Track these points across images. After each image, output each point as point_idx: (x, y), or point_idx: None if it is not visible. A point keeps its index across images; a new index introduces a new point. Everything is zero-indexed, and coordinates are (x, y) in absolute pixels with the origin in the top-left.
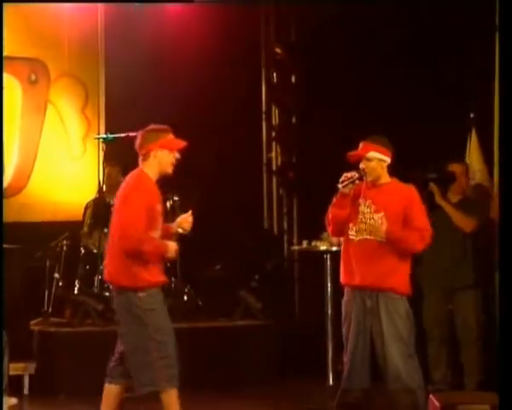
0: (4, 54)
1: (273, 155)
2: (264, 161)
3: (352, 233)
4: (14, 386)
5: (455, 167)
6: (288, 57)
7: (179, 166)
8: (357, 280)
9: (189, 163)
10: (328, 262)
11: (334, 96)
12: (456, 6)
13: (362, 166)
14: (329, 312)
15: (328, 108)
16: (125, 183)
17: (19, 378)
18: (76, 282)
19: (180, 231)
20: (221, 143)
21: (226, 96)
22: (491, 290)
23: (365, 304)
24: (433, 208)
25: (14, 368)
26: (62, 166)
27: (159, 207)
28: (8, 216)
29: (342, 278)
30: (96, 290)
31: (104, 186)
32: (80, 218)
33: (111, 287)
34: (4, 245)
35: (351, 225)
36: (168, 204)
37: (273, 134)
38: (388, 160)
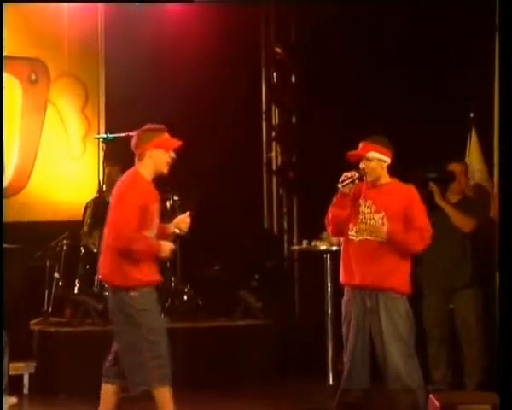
0: (4, 53)
1: (273, 154)
2: (264, 160)
3: (352, 233)
4: (14, 386)
5: (454, 167)
6: (288, 57)
7: (179, 165)
8: (357, 280)
9: (189, 163)
10: (328, 262)
11: (334, 96)
12: (456, 6)
13: (362, 166)
14: (329, 311)
15: (328, 108)
16: (120, 182)
17: (19, 378)
18: (76, 281)
19: (177, 231)
20: (221, 142)
21: (226, 95)
22: (491, 290)
23: (365, 304)
24: (432, 208)
25: (14, 368)
26: (62, 165)
27: (153, 207)
28: (8, 216)
29: (342, 278)
30: (96, 290)
31: (104, 186)
32: (80, 217)
33: (106, 286)
34: (4, 245)
35: (351, 225)
36: (168, 204)
37: (273, 134)
38: (388, 160)
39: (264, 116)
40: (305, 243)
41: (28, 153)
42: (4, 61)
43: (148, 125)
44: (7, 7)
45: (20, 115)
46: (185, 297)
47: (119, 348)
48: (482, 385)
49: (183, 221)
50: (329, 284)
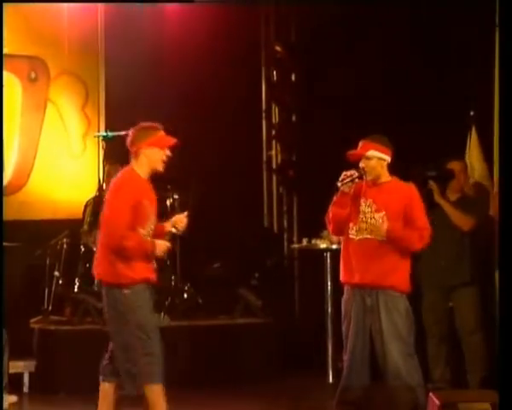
0: (4, 52)
1: (273, 153)
2: (264, 159)
3: (352, 232)
4: (14, 384)
5: (454, 165)
6: (288, 56)
7: (179, 164)
8: (356, 278)
9: (189, 161)
10: (328, 260)
11: (334, 95)
12: (456, 5)
13: (361, 164)
14: (329, 310)
15: (328, 107)
16: (115, 179)
17: (19, 376)
18: (76, 280)
19: (174, 230)
20: (221, 141)
21: (226, 95)
22: (490, 288)
23: (365, 302)
24: (432, 206)
25: (14, 366)
26: (62, 164)
27: (148, 204)
28: (8, 214)
29: (342, 277)
30: (95, 288)
31: (104, 184)
32: (80, 216)
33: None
34: (4, 243)
35: (351, 224)
36: (168, 202)
37: (273, 132)
38: (388, 158)
39: (264, 115)
40: (305, 242)
41: (28, 151)
42: (4, 59)
43: (143, 124)
44: (7, 7)
45: (20, 113)
46: (185, 296)
47: (114, 346)
48: (485, 382)
49: (180, 220)
50: (329, 283)
